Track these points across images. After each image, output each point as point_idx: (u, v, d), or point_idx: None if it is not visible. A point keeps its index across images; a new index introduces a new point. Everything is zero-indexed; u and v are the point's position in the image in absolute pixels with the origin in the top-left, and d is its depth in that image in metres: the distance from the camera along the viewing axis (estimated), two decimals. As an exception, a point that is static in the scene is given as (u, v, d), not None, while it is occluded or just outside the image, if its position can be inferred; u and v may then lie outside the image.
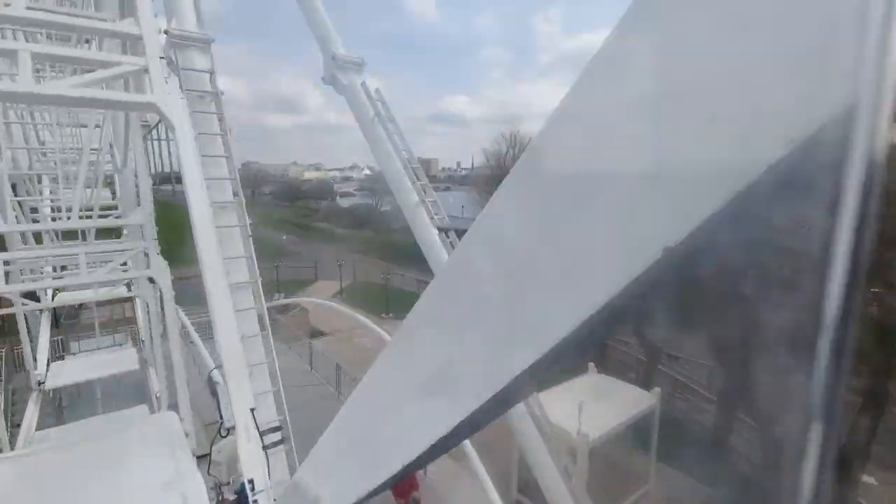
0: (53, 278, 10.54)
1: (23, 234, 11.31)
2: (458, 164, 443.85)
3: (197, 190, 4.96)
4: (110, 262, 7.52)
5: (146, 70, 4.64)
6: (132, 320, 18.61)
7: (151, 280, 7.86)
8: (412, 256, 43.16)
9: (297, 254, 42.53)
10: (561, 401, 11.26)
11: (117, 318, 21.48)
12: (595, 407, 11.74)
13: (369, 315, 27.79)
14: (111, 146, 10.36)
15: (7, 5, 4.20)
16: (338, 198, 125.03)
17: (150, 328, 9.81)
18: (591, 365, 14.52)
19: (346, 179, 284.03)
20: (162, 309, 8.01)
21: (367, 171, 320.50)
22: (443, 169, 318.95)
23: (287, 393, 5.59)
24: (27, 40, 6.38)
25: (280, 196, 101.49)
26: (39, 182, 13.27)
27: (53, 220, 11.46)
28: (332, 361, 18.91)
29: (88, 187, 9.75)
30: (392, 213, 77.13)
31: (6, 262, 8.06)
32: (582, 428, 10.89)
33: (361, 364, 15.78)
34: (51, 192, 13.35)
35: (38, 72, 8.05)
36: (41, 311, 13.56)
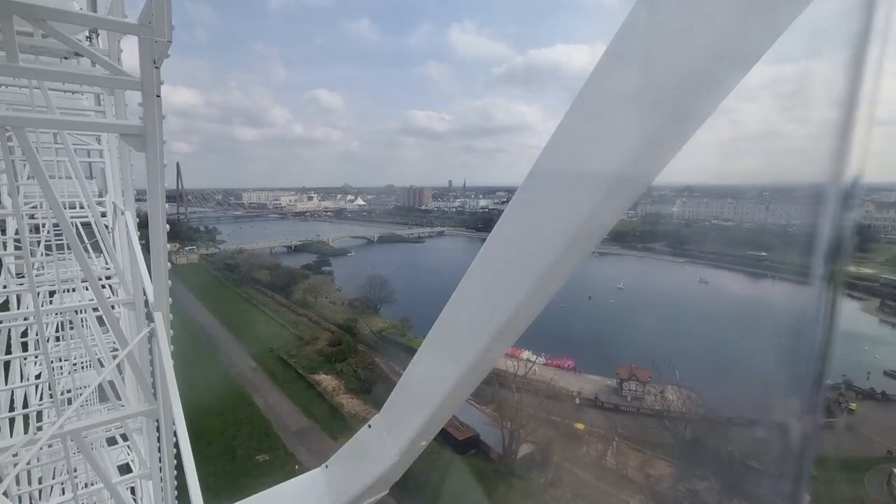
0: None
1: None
2: (450, 182, 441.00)
3: None
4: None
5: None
6: None
7: None
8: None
9: None
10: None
11: None
12: None
13: None
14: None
15: None
16: (332, 267, 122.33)
17: None
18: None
19: (339, 214, 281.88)
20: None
21: (360, 202, 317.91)
22: (434, 194, 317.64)
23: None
24: None
25: (274, 286, 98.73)
26: None
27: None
28: None
29: None
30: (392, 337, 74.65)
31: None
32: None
33: None
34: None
35: None
36: None
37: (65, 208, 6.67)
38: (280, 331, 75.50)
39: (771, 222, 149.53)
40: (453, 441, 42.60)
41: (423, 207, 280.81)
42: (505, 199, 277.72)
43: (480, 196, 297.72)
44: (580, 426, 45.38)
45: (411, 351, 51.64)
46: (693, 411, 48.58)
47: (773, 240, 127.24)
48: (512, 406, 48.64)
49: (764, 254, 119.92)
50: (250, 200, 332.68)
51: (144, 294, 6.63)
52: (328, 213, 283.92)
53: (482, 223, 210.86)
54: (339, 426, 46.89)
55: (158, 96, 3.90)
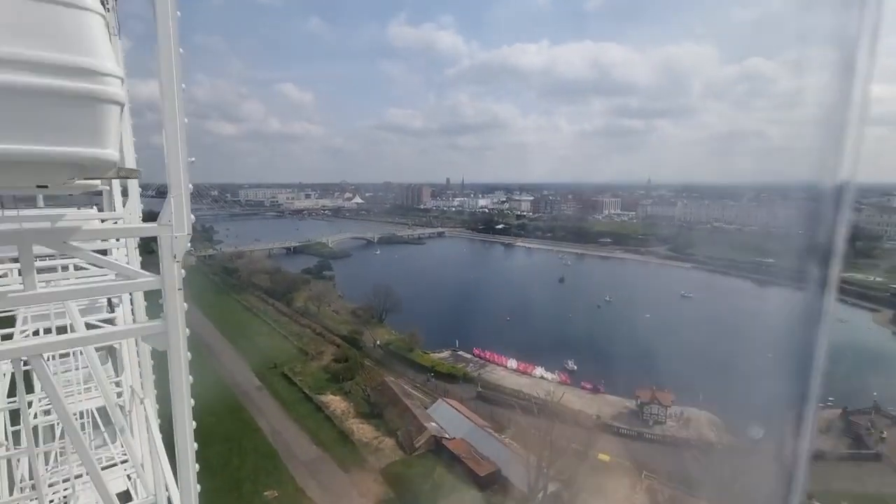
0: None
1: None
2: (448, 180, 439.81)
3: None
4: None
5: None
6: None
7: None
8: None
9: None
10: None
11: None
12: None
13: None
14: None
15: None
16: (333, 271, 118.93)
17: None
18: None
19: (337, 213, 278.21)
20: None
21: (359, 200, 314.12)
22: (432, 192, 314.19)
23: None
24: None
25: (275, 293, 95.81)
26: None
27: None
28: None
29: None
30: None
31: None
32: None
33: None
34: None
35: None
36: None
37: (79, 392, 6.38)
38: (283, 344, 72.61)
39: (773, 225, 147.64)
40: (473, 476, 40.13)
41: (422, 206, 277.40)
42: (504, 199, 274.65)
43: (479, 195, 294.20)
44: (605, 457, 43.00)
45: (420, 368, 48.16)
46: (723, 439, 46.38)
47: (777, 244, 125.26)
48: (531, 433, 46.24)
49: (770, 260, 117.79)
50: (247, 198, 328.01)
51: (167, 489, 5.47)
52: (326, 212, 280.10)
53: (483, 224, 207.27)
54: (350, 457, 44.15)
55: (180, 289, 3.86)
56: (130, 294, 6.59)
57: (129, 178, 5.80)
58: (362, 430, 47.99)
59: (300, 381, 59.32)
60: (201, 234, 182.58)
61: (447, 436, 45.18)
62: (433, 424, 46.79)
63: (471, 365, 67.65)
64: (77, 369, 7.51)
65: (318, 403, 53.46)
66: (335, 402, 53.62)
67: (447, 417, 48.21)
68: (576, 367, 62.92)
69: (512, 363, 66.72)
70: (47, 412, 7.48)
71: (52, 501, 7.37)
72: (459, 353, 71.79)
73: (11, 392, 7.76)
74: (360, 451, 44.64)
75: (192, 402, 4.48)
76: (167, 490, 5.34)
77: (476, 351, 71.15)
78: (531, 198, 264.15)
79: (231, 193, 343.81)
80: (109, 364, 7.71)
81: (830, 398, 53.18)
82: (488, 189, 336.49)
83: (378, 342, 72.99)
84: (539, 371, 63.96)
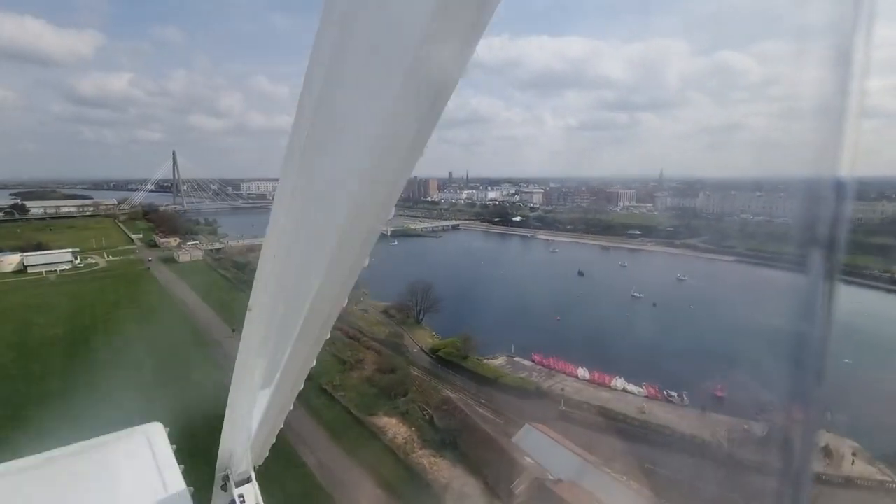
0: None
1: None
2: (450, 174, 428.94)
3: None
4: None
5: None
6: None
7: None
8: None
9: None
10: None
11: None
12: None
13: None
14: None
15: None
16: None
17: None
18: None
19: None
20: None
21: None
22: (439, 187, 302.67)
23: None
24: None
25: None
26: None
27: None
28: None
29: None
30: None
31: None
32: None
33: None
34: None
35: None
36: None
37: None
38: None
39: (803, 216, 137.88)
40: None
41: (431, 199, 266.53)
42: (514, 192, 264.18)
43: (488, 188, 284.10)
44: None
45: (480, 379, 36.50)
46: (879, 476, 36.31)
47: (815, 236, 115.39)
48: (654, 472, 36.19)
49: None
50: (249, 190, 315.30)
51: None
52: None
53: (497, 216, 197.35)
54: (431, 506, 33.75)
55: None
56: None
57: None
58: (436, 467, 37.46)
59: (343, 397, 48.64)
60: (205, 227, 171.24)
61: (551, 476, 34.82)
62: (529, 460, 36.42)
63: (534, 374, 57.42)
64: None
65: (372, 429, 42.88)
66: (392, 427, 43.03)
67: (542, 449, 37.74)
68: (686, 401, 49.91)
69: (583, 372, 56.46)
70: None
71: None
72: (516, 359, 61.50)
73: None
74: (442, 499, 34.20)
75: None
76: None
77: (536, 357, 60.81)
78: (541, 190, 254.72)
79: (233, 187, 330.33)
80: None
81: None
82: (490, 183, 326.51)
83: (422, 348, 62.65)
84: (619, 382, 53.69)
